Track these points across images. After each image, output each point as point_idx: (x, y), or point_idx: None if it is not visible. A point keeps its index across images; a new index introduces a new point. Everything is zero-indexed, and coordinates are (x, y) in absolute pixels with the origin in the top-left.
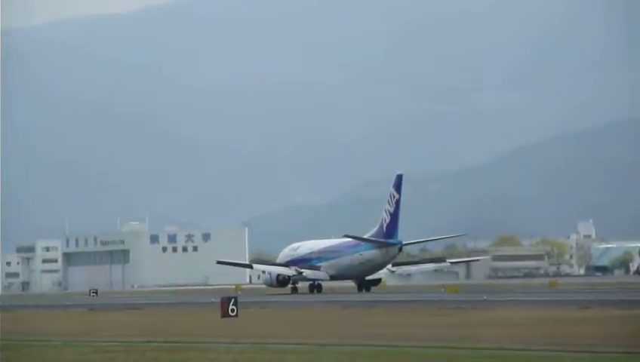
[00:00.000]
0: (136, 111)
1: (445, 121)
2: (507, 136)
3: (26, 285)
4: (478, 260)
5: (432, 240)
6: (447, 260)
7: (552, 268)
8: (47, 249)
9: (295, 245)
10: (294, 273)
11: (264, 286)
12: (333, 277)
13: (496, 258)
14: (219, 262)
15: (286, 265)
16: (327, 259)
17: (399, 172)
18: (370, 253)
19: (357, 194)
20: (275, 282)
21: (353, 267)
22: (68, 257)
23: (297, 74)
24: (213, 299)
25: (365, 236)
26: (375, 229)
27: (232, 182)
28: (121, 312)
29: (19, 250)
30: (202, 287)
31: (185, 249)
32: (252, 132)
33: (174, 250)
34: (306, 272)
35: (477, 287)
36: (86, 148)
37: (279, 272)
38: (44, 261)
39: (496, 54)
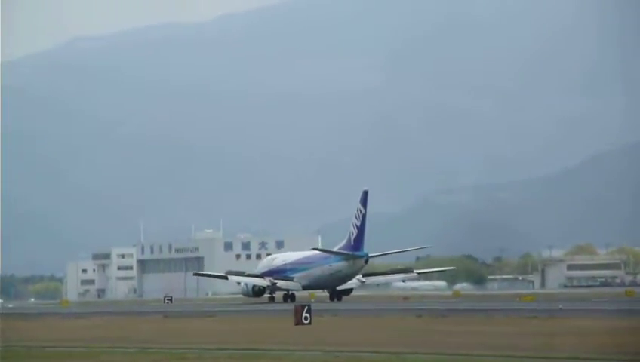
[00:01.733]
0: (211, 116)
1: (524, 127)
2: (587, 143)
3: (101, 292)
4: (444, 270)
5: (397, 252)
6: (415, 271)
7: (629, 278)
8: (123, 256)
9: (271, 257)
10: (268, 283)
11: (241, 296)
12: (305, 287)
13: (571, 267)
14: (195, 274)
15: (261, 276)
16: (299, 271)
17: (365, 188)
18: (339, 265)
19: (432, 202)
20: (251, 292)
21: (324, 278)
22: (143, 264)
23: (371, 80)
24: (286, 307)
25: (334, 249)
26: (344, 242)
27: (305, 190)
28: (195, 319)
29: (95, 257)
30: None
31: (258, 256)
32: (324, 139)
33: (248, 257)
34: (280, 283)
35: (552, 296)
36: (160, 155)
37: (255, 283)
38: (120, 268)
39: (577, 57)
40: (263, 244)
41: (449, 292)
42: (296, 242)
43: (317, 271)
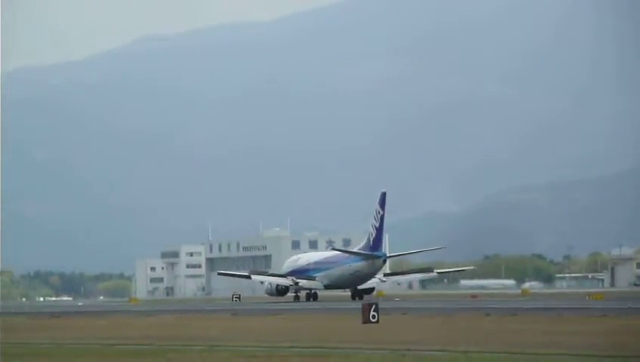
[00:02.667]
0: (276, 116)
1: (593, 126)
2: None
3: (170, 290)
4: (464, 270)
5: (414, 252)
6: (435, 271)
7: None
8: (191, 254)
9: (296, 257)
10: (291, 283)
11: (265, 295)
12: (327, 287)
13: None
14: (219, 274)
15: (284, 275)
16: (321, 270)
17: (383, 190)
18: (359, 265)
19: (499, 202)
20: (274, 291)
21: (344, 277)
22: (211, 262)
23: (422, 79)
24: (353, 305)
25: (355, 249)
26: (363, 243)
27: (372, 188)
28: (263, 317)
29: (163, 255)
30: (343, 293)
31: None
32: (389, 138)
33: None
34: (302, 282)
35: (622, 294)
36: (229, 155)
37: (278, 282)
38: (188, 266)
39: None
40: (330, 243)
41: (517, 291)
42: (363, 240)
43: (338, 271)
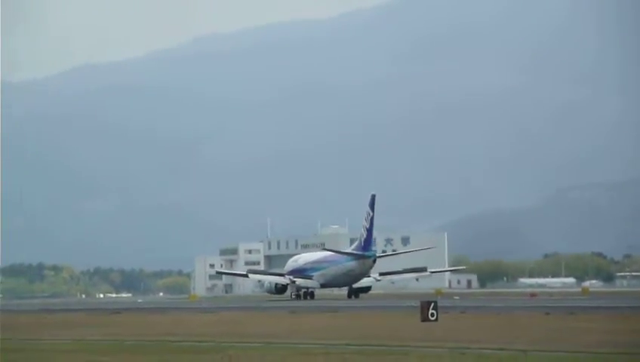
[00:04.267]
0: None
1: None
2: None
3: (228, 287)
4: (457, 269)
5: (404, 252)
6: (428, 270)
7: None
8: (250, 251)
9: (296, 257)
10: (288, 282)
11: (266, 293)
12: (323, 286)
13: None
14: (218, 273)
15: (281, 274)
16: (318, 270)
17: (373, 192)
18: (351, 264)
19: (559, 200)
20: (274, 290)
21: (338, 276)
22: (269, 260)
23: (491, 78)
24: (412, 303)
25: (348, 250)
26: (356, 243)
27: (432, 186)
28: (321, 315)
29: (222, 252)
30: (401, 291)
31: (384, 252)
32: (449, 134)
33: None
34: (299, 281)
35: None
36: (291, 150)
37: (275, 281)
38: (247, 263)
39: None
40: (388, 241)
41: (577, 289)
42: (421, 238)
43: (332, 271)
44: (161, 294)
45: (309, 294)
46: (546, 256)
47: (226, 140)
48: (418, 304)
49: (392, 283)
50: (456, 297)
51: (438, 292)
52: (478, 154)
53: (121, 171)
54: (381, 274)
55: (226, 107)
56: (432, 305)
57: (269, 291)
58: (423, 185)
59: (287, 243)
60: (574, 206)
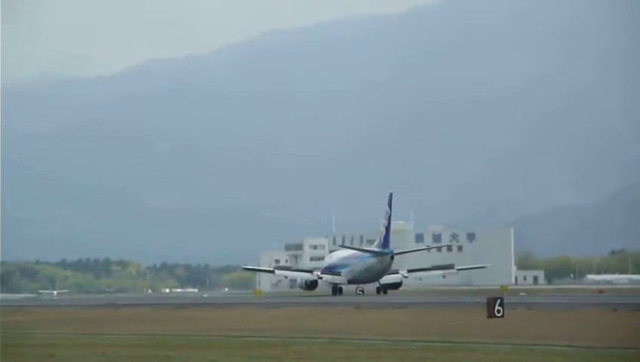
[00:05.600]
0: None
1: None
2: None
3: (293, 282)
4: (484, 267)
5: (421, 249)
6: (455, 267)
7: None
8: (315, 247)
9: (331, 254)
10: (316, 278)
11: (298, 289)
12: (350, 282)
13: None
14: (244, 269)
15: (309, 271)
16: (346, 266)
17: (390, 191)
18: (371, 261)
19: (626, 195)
20: (305, 286)
21: (361, 273)
22: None
23: (555, 73)
24: (478, 300)
25: (370, 247)
26: (377, 241)
27: (498, 182)
28: (386, 311)
29: (287, 247)
30: (466, 287)
31: (449, 248)
32: (513, 129)
33: (439, 249)
34: (327, 277)
35: None
36: (356, 145)
37: (301, 277)
38: (312, 259)
39: None
40: (454, 236)
41: None
42: (488, 235)
43: (357, 267)
44: (226, 289)
45: (338, 290)
46: (613, 252)
47: (291, 138)
48: (484, 300)
49: (420, 279)
50: (523, 294)
51: (504, 289)
52: (545, 153)
53: (187, 169)
54: (409, 271)
55: (291, 104)
56: (499, 301)
57: (302, 287)
58: (489, 182)
59: (352, 239)
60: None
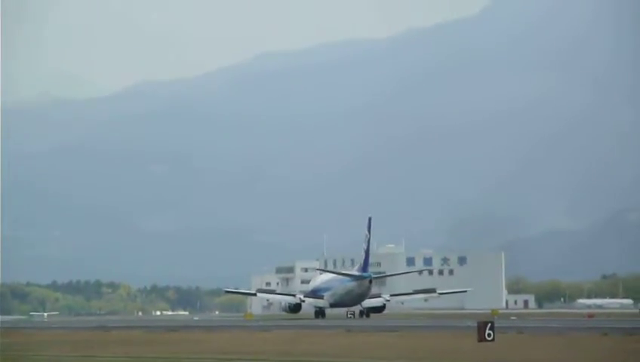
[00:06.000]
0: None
1: None
2: None
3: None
4: (466, 291)
5: (395, 274)
6: (438, 291)
7: None
8: (306, 270)
9: (315, 277)
10: (298, 301)
11: (283, 312)
12: (332, 305)
13: None
14: (227, 292)
15: (291, 294)
16: (328, 290)
17: (369, 215)
18: (351, 285)
19: (618, 220)
20: (288, 309)
21: (342, 296)
22: None
23: (551, 97)
24: (469, 324)
25: (352, 271)
26: (357, 265)
27: (491, 205)
28: (377, 334)
29: (278, 270)
30: (457, 311)
31: (441, 272)
32: (507, 154)
33: (430, 273)
34: (309, 300)
35: None
36: (343, 170)
37: (284, 301)
38: (303, 282)
39: None
40: (445, 260)
41: (636, 310)
42: (479, 259)
43: (338, 291)
44: (217, 312)
45: (321, 313)
46: (604, 276)
47: (284, 161)
48: (475, 324)
49: (402, 303)
50: (513, 317)
51: (495, 313)
52: (538, 178)
53: (180, 191)
54: (392, 295)
55: (284, 127)
56: (489, 325)
57: (285, 310)
58: (482, 205)
59: (343, 261)
60: (633, 227)
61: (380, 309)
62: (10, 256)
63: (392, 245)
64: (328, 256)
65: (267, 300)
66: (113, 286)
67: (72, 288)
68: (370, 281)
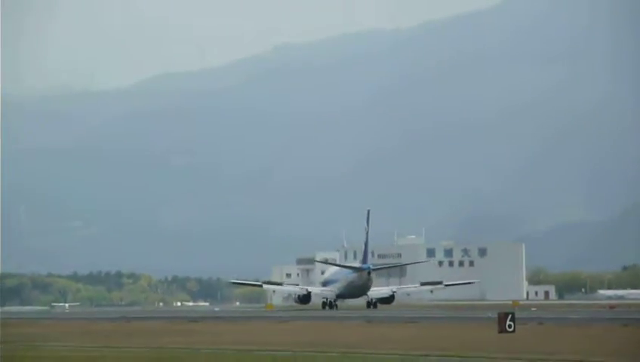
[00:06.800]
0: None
1: None
2: None
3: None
4: (472, 283)
5: (395, 266)
6: (444, 283)
7: None
8: (327, 260)
9: (328, 269)
10: (305, 292)
11: (294, 303)
12: (338, 296)
13: None
14: (233, 283)
15: (297, 285)
16: (335, 282)
17: (368, 208)
18: (352, 276)
19: (638, 211)
20: (298, 300)
21: (345, 288)
22: None
23: (563, 89)
24: (490, 315)
25: (352, 264)
26: (361, 257)
27: (509, 198)
28: (398, 325)
29: (299, 262)
30: (478, 302)
31: (461, 263)
32: (522, 146)
33: (450, 264)
34: (315, 291)
35: None
36: (362, 161)
37: (290, 291)
38: (323, 273)
39: None
40: (465, 251)
41: None
42: (499, 250)
43: (343, 283)
44: (237, 303)
45: (328, 304)
46: (624, 268)
47: (303, 154)
48: (495, 315)
49: (408, 295)
50: (534, 309)
51: (515, 304)
52: (556, 170)
53: (199, 185)
54: (398, 286)
55: (302, 120)
56: (510, 316)
57: (296, 301)
58: (500, 198)
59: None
60: None
61: (388, 300)
62: (27, 247)
63: (413, 236)
64: (348, 247)
65: (274, 291)
66: (134, 276)
67: (92, 279)
68: (369, 273)
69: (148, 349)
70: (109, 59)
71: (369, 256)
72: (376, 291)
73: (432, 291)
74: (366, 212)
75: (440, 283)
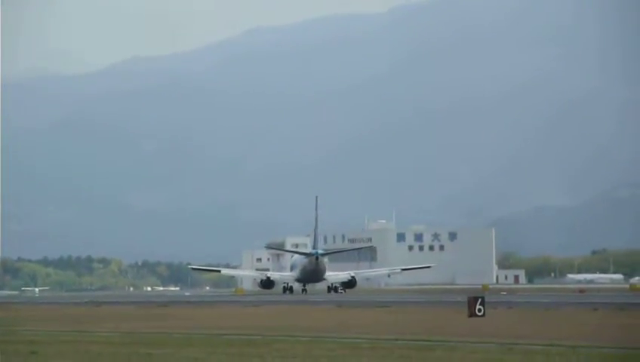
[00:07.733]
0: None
1: None
2: None
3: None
4: (429, 267)
5: (345, 250)
6: (400, 268)
7: None
8: (297, 246)
9: (294, 255)
10: (264, 277)
11: (257, 288)
12: (297, 280)
13: None
14: (192, 268)
15: (261, 271)
16: (295, 267)
17: (316, 195)
18: (305, 262)
19: (609, 196)
20: (260, 285)
21: (301, 272)
22: None
23: (548, 75)
24: (459, 299)
25: (304, 250)
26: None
27: (480, 182)
28: (368, 310)
29: (268, 246)
30: (449, 286)
31: (431, 248)
32: (503, 135)
33: (421, 248)
34: (275, 276)
35: None
36: (334, 146)
37: (249, 276)
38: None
39: None
40: (436, 236)
41: (626, 286)
42: (469, 235)
43: (299, 268)
44: (207, 288)
45: (289, 289)
46: (594, 252)
47: (276, 138)
48: (465, 299)
49: (367, 279)
50: (504, 293)
51: (485, 288)
52: (527, 152)
53: (171, 168)
54: (356, 271)
55: (276, 104)
56: (480, 300)
57: (259, 286)
58: (474, 183)
59: (334, 238)
60: (623, 203)
61: (349, 285)
62: (1, 231)
63: (383, 221)
64: (320, 231)
65: (232, 276)
66: (104, 261)
67: (63, 263)
68: (317, 258)
69: (119, 333)
70: (81, 41)
71: (334, 240)
72: (334, 275)
73: (389, 275)
74: (317, 198)
75: (398, 268)
